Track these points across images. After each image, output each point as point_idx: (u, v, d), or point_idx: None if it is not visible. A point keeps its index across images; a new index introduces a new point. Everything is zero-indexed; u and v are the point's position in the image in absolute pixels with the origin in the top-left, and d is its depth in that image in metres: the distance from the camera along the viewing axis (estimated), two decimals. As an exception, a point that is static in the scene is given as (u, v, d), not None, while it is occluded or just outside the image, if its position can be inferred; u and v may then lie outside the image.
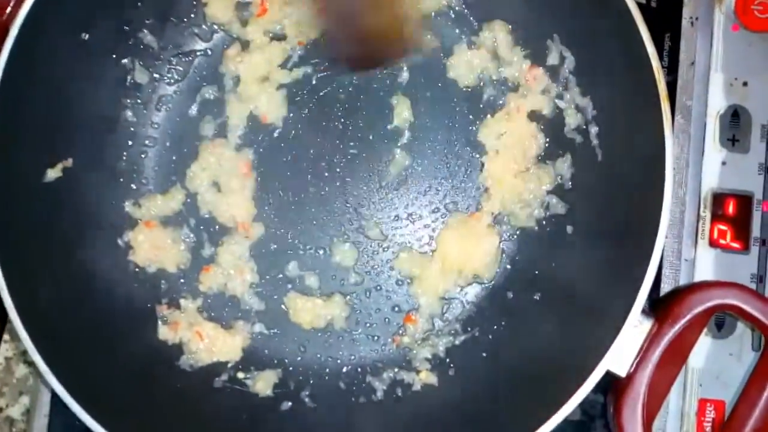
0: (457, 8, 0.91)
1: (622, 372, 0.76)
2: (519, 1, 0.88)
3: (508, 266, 0.90)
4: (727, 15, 0.91)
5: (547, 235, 0.88)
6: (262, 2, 0.90)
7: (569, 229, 0.87)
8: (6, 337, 0.90)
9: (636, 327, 0.76)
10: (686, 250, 0.89)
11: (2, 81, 0.77)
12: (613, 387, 0.79)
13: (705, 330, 0.81)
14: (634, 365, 0.76)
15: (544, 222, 0.89)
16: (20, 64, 0.78)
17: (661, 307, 0.79)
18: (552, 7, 0.85)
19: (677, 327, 0.76)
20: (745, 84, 0.90)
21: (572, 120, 0.87)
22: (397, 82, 0.91)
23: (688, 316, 0.76)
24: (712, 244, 0.88)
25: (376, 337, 0.89)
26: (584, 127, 0.86)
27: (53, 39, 0.81)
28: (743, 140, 0.89)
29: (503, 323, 0.87)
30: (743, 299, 0.77)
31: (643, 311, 0.76)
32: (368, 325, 0.90)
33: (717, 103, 0.90)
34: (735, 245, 0.88)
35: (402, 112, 0.91)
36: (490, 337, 0.87)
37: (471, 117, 0.91)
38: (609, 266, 0.80)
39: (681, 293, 0.78)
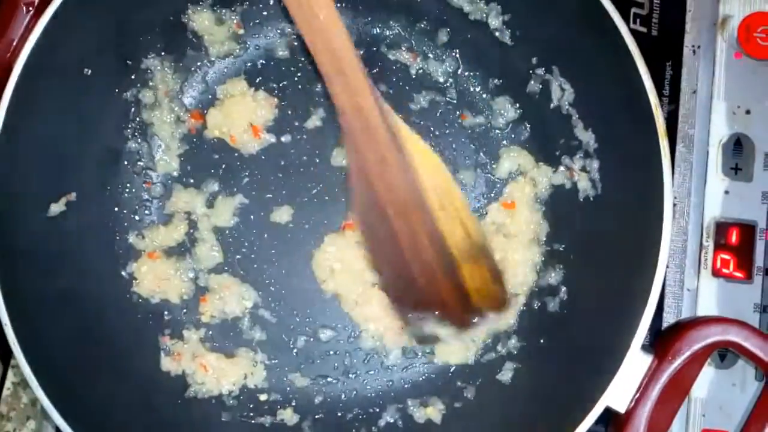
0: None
1: (621, 408, 0.76)
2: (519, 33, 0.88)
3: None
4: (729, 43, 0.90)
5: (546, 274, 0.89)
6: (237, 22, 0.92)
7: (567, 263, 0.87)
8: (13, 362, 0.91)
9: (635, 363, 0.76)
10: (689, 280, 0.89)
11: (6, 117, 0.78)
12: (612, 422, 0.79)
13: (708, 360, 0.80)
14: (634, 401, 0.76)
15: (543, 261, 0.89)
16: (24, 100, 0.79)
17: (661, 342, 0.79)
18: (551, 40, 0.85)
19: (677, 363, 0.76)
20: (747, 112, 0.90)
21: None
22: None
23: (688, 353, 0.76)
24: (715, 273, 0.88)
25: (385, 370, 0.90)
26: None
27: (56, 75, 0.82)
28: (746, 169, 0.89)
29: (507, 365, 0.87)
30: (744, 336, 0.76)
31: (643, 347, 0.76)
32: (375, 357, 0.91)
33: (719, 131, 0.90)
34: (738, 275, 0.88)
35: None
36: (495, 377, 0.87)
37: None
38: (608, 302, 0.80)
39: (681, 329, 0.78)
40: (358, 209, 0.80)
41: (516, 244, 0.88)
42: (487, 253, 0.79)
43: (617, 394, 0.76)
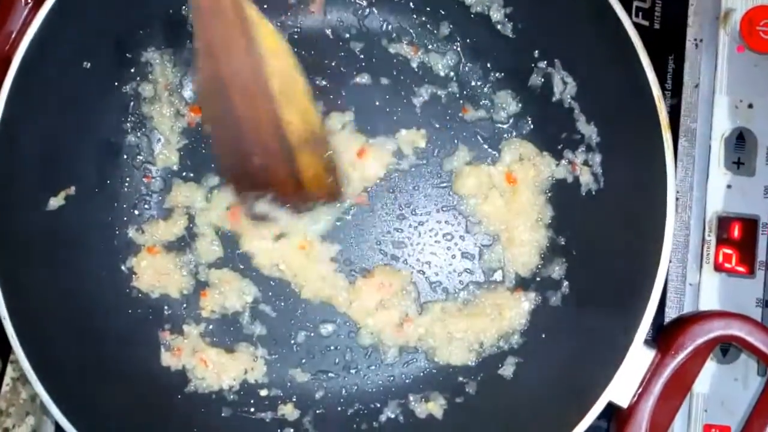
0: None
1: (624, 403, 0.76)
2: (521, 26, 0.88)
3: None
4: (732, 36, 0.90)
5: (548, 267, 0.89)
6: None
7: (569, 257, 0.87)
8: (12, 358, 0.91)
9: (638, 358, 0.75)
10: (691, 275, 0.88)
11: (5, 111, 0.78)
12: (615, 417, 0.79)
13: (710, 355, 0.80)
14: (636, 396, 0.76)
15: (543, 256, 0.89)
16: (23, 93, 0.79)
17: (663, 337, 0.79)
18: (553, 33, 0.85)
19: (680, 358, 0.76)
20: (750, 106, 0.90)
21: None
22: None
23: (691, 347, 0.76)
24: (717, 268, 0.88)
25: (386, 365, 0.90)
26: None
27: (55, 68, 0.81)
28: (748, 163, 0.89)
29: (509, 360, 0.87)
30: (746, 330, 0.76)
31: (646, 341, 0.76)
32: (378, 351, 0.90)
33: (722, 125, 0.90)
34: (740, 269, 0.87)
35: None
36: (497, 372, 0.87)
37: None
38: (610, 297, 0.80)
39: (684, 323, 0.78)
40: (201, 89, 0.82)
41: (521, 225, 0.88)
42: (324, 144, 0.82)
43: (620, 389, 0.75)
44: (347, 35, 0.92)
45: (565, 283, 0.86)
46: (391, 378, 0.89)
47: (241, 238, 0.90)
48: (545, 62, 0.87)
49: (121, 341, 0.86)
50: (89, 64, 0.84)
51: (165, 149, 0.91)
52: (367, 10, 0.92)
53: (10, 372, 0.91)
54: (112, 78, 0.88)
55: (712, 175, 0.89)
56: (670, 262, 0.85)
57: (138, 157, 0.91)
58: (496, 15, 0.88)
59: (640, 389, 0.76)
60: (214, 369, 0.88)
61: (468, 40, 0.91)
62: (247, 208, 0.85)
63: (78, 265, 0.85)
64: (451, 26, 0.91)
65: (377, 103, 0.92)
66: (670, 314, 0.87)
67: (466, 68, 0.92)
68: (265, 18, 0.77)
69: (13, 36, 0.80)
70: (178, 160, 0.92)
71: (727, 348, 0.86)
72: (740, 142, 0.89)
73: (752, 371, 0.87)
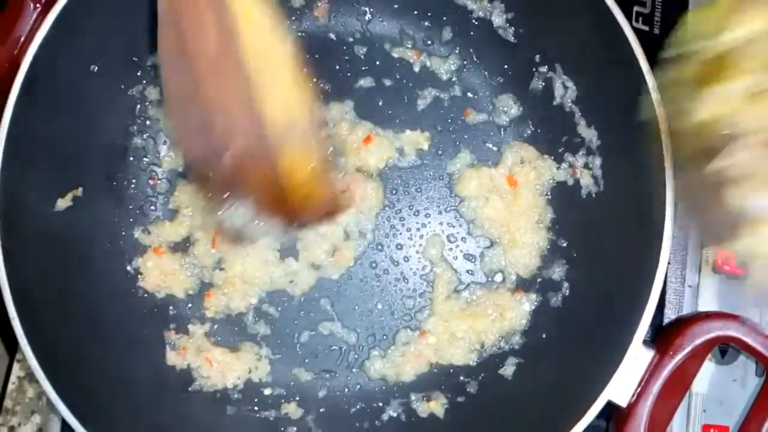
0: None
1: (623, 402, 0.77)
2: (522, 31, 0.89)
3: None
4: (731, 41, 0.91)
5: (549, 269, 0.89)
6: None
7: (569, 259, 0.88)
8: (19, 356, 0.92)
9: (637, 358, 0.76)
10: (690, 276, 0.89)
11: (14, 113, 0.79)
12: (614, 417, 0.79)
13: (709, 356, 0.81)
14: (635, 396, 0.77)
15: (544, 258, 0.90)
16: (31, 96, 0.80)
17: (662, 337, 0.80)
18: (554, 38, 0.86)
19: (678, 358, 0.77)
20: (751, 106, 0.90)
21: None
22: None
23: (689, 348, 0.77)
24: (716, 269, 0.88)
25: (389, 364, 0.90)
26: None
27: (63, 72, 0.82)
28: (748, 165, 0.89)
29: (510, 360, 0.87)
30: (744, 332, 0.77)
31: (645, 342, 0.77)
32: (381, 348, 0.91)
33: (723, 126, 0.90)
34: (739, 271, 0.88)
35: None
36: (498, 372, 0.87)
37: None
38: (610, 298, 0.80)
39: (682, 324, 0.79)
40: (163, 64, 0.67)
41: (522, 227, 0.89)
42: (316, 142, 0.63)
43: (619, 389, 0.76)
44: (351, 39, 0.93)
45: (566, 284, 0.87)
46: (401, 378, 0.89)
47: (225, 261, 0.90)
48: (546, 67, 0.88)
49: (127, 340, 0.86)
50: (96, 68, 0.85)
51: (171, 151, 0.92)
52: (371, 15, 0.93)
53: (16, 370, 0.91)
54: (119, 81, 0.89)
55: (711, 178, 0.90)
56: (669, 263, 0.85)
57: (144, 159, 0.92)
58: (498, 20, 0.89)
59: (639, 389, 0.77)
60: (219, 368, 0.88)
61: (470, 45, 0.92)
62: (218, 221, 0.68)
63: (85, 265, 0.86)
64: (453, 31, 0.92)
65: (380, 106, 0.93)
66: (669, 315, 0.88)
67: (468, 72, 0.93)
68: None
69: (22, 40, 0.81)
70: (184, 161, 0.92)
71: (725, 349, 0.87)
72: (740, 144, 0.90)
73: (750, 372, 0.87)
